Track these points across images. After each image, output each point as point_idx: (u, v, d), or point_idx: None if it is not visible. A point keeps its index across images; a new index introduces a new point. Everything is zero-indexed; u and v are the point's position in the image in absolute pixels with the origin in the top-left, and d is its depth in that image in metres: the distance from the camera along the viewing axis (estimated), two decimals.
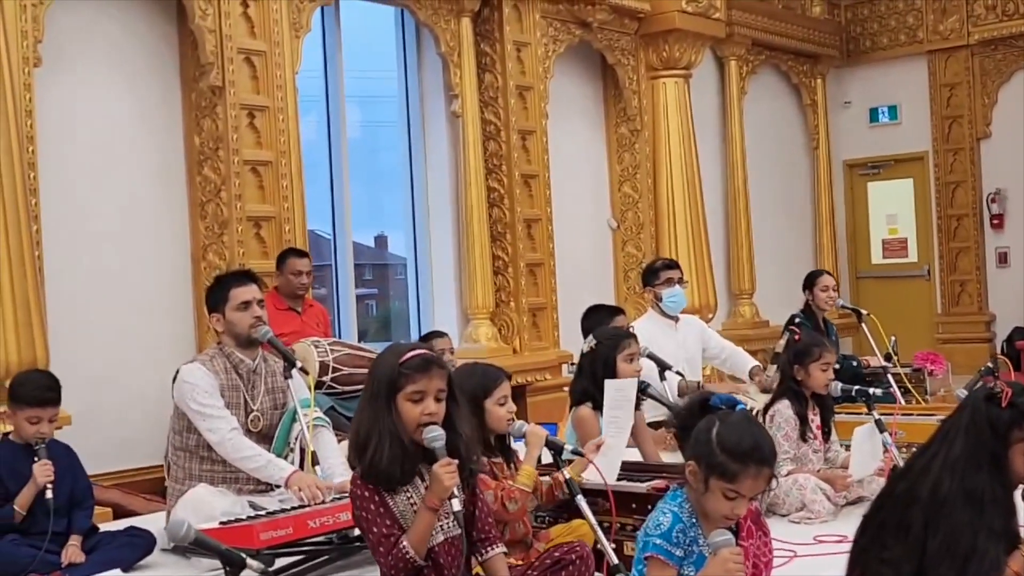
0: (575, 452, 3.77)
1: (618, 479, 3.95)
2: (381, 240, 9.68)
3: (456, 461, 3.06)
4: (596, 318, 6.01)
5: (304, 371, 4.71)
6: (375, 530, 3.05)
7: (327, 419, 4.80)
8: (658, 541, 2.77)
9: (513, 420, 3.73)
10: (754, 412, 5.71)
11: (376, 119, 9.36)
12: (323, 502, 4.12)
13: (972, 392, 3.27)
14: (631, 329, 6.06)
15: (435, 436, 3.05)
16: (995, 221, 11.83)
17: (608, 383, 4.33)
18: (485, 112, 8.53)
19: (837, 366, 6.64)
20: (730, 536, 2.74)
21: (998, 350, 11.24)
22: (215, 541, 2.71)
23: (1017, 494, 3.10)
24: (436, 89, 8.60)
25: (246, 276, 4.82)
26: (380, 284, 9.93)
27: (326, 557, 4.03)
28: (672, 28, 9.68)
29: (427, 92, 8.68)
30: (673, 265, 6.89)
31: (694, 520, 2.81)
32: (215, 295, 4.69)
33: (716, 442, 2.75)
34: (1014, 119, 11.35)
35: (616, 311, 6.35)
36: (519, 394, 8.20)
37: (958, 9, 11.88)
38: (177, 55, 6.94)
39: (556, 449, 3.73)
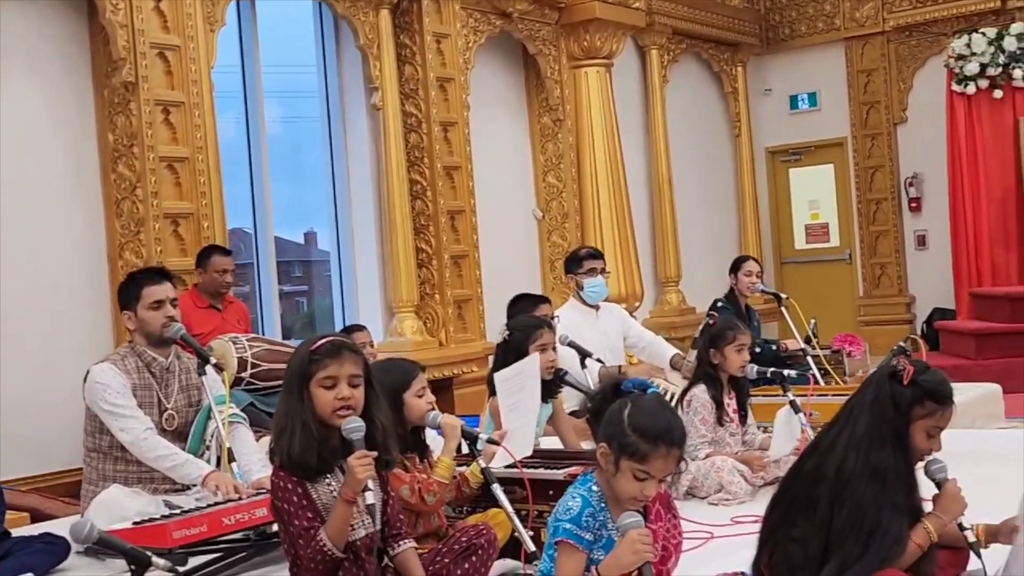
0: (490, 441, 3.77)
1: (536, 467, 3.96)
2: (310, 236, 9.64)
3: (373, 453, 3.05)
4: (521, 307, 6.00)
5: (219, 367, 4.66)
6: (296, 522, 3.03)
7: (244, 416, 4.76)
8: (568, 526, 2.78)
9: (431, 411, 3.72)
10: (669, 396, 5.77)
11: (297, 115, 9.30)
12: (239, 499, 4.08)
13: (876, 370, 3.32)
14: (555, 318, 6.09)
15: (354, 428, 3.05)
16: (913, 204, 12.03)
17: (496, 376, 4.32)
18: (406, 104, 8.50)
19: (757, 350, 6.77)
20: (639, 518, 2.76)
21: (918, 331, 11.45)
22: (119, 540, 2.68)
23: (919, 469, 3.16)
24: (356, 82, 8.56)
25: (160, 274, 4.76)
26: (309, 281, 9.88)
27: (243, 555, 3.99)
28: (593, 18, 9.71)
29: (347, 85, 8.64)
30: (596, 255, 6.92)
31: (603, 504, 2.83)
32: (127, 293, 4.63)
33: (627, 423, 2.77)
34: (929, 104, 11.54)
35: (541, 300, 6.36)
36: (445, 387, 8.20)
37: None
38: (88, 51, 6.83)
39: (471, 439, 3.73)
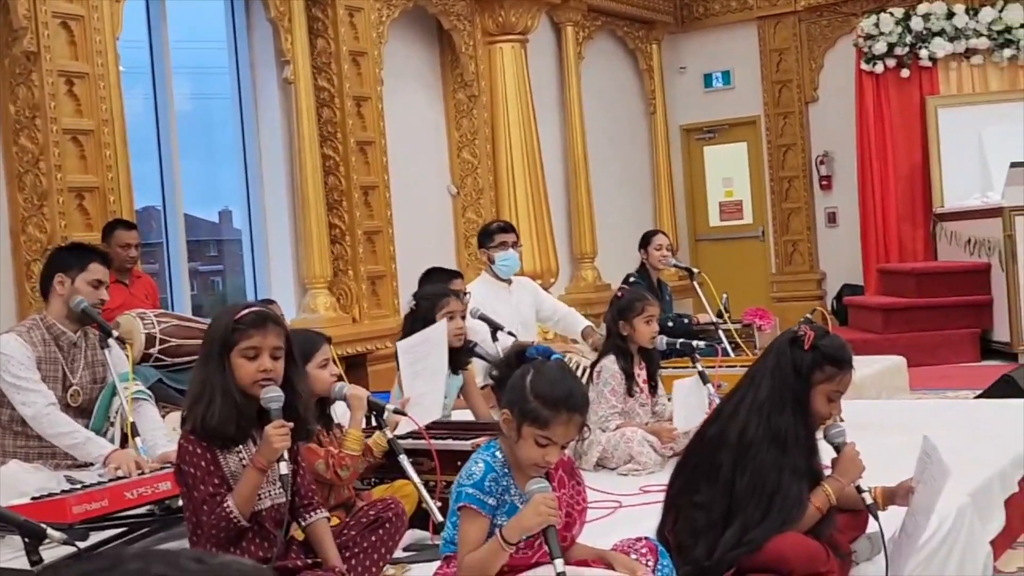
0: (396, 411, 3.75)
1: (444, 438, 3.95)
2: (224, 215, 9.50)
3: (291, 424, 3.02)
4: (433, 281, 5.98)
5: (122, 341, 4.58)
6: (202, 487, 2.98)
7: (149, 392, 4.68)
8: (471, 491, 2.78)
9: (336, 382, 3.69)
10: (581, 369, 5.79)
11: (207, 91, 9.13)
12: (142, 472, 4.01)
13: (777, 337, 3.37)
14: (467, 293, 6.08)
15: (272, 397, 3.01)
16: (824, 182, 12.21)
17: (399, 344, 4.31)
18: (318, 79, 8.40)
19: (669, 323, 6.84)
20: (545, 483, 2.76)
21: (829, 307, 11.63)
22: (12, 513, 2.62)
23: (819, 434, 3.21)
24: (267, 56, 8.43)
25: (106, 258, 4.71)
26: (223, 260, 9.75)
27: (147, 529, 3.93)
28: None
29: (258, 60, 8.51)
30: (508, 228, 6.92)
31: (507, 470, 2.83)
32: (71, 257, 4.56)
33: (529, 389, 2.77)
34: (840, 83, 11.71)
35: (453, 274, 6.35)
36: (359, 363, 8.16)
37: None
38: None
39: (377, 410, 3.71)
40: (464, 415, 5.03)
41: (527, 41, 10.08)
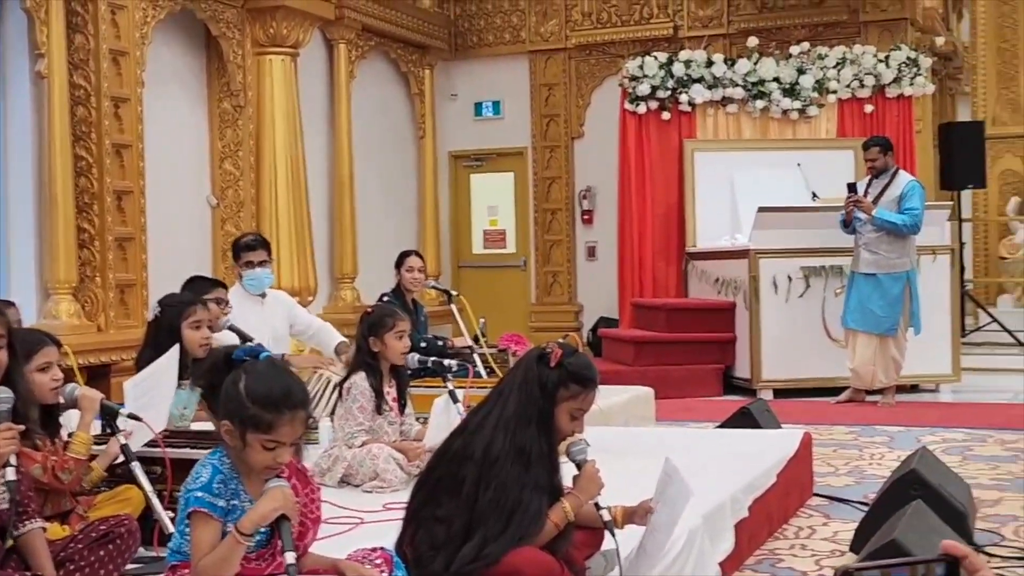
0: (131, 416, 3.57)
1: (179, 447, 3.79)
2: None
3: (21, 427, 2.83)
4: (194, 290, 5.77)
5: None
6: None
7: None
8: (199, 494, 2.65)
9: (62, 385, 3.48)
10: (329, 383, 5.70)
11: None
12: None
13: (526, 353, 3.39)
14: (227, 304, 5.92)
15: (1, 399, 2.83)
16: (585, 216, 12.52)
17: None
18: (74, 75, 8.03)
19: (423, 344, 6.82)
20: (284, 480, 2.67)
21: (585, 338, 11.90)
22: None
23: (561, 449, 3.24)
24: (20, 47, 8.01)
25: None
26: None
27: None
28: (280, 5, 9.54)
29: (9, 49, 8.07)
30: (255, 246, 6.73)
31: (235, 474, 2.72)
32: None
33: (246, 395, 2.65)
34: (605, 121, 12.03)
35: (216, 283, 6.18)
36: (103, 373, 7.80)
37: (558, 13, 12.51)
38: None
39: (111, 414, 3.53)
40: (206, 426, 4.85)
41: (298, 55, 9.94)
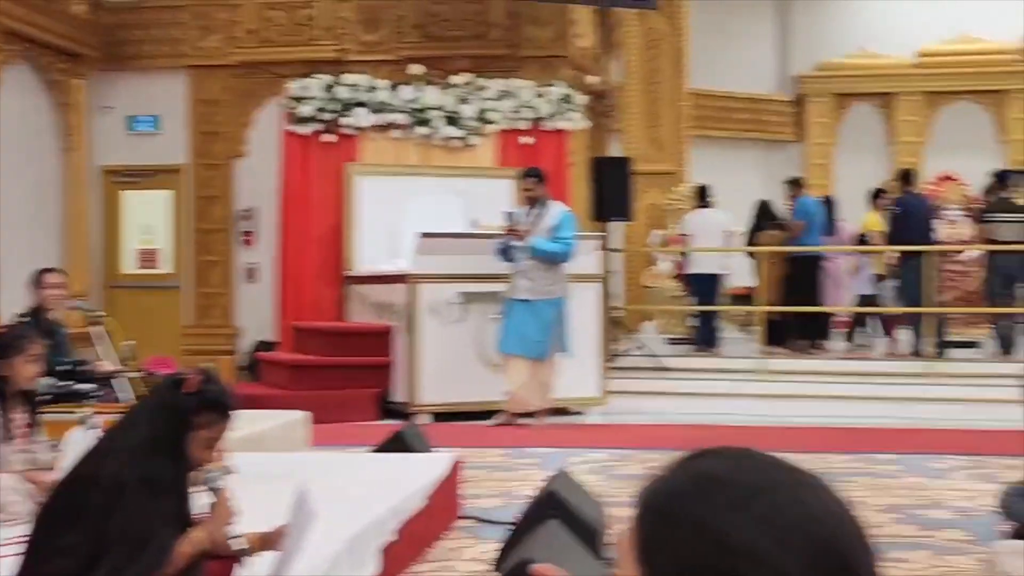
0: None
1: None
2: None
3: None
4: None
5: None
6: None
7: None
8: None
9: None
10: None
11: None
12: None
13: (161, 379, 3.25)
14: None
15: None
16: (246, 237, 12.24)
17: None
18: None
19: (63, 368, 6.45)
20: None
21: (244, 362, 11.63)
22: None
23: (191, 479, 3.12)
24: None
25: None
26: None
27: None
28: None
29: None
30: None
31: None
32: None
33: None
34: (267, 141, 11.83)
35: None
36: None
37: (221, 29, 12.20)
38: None
39: None
40: None
41: None
